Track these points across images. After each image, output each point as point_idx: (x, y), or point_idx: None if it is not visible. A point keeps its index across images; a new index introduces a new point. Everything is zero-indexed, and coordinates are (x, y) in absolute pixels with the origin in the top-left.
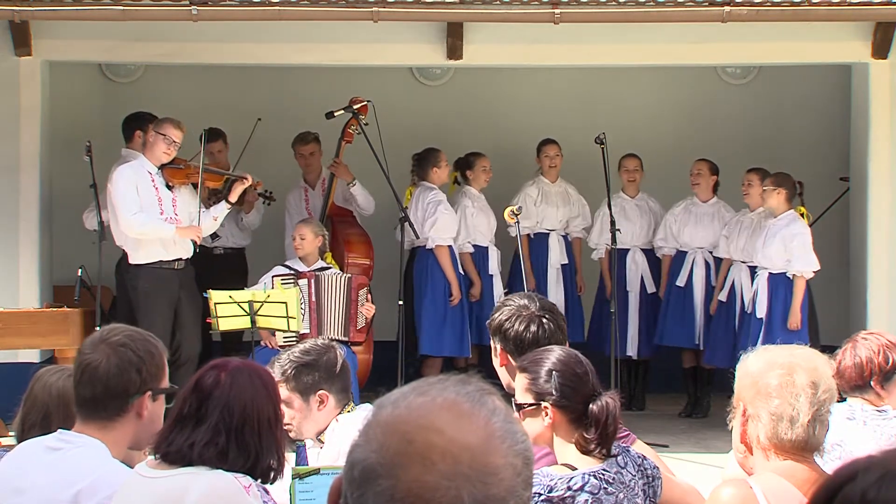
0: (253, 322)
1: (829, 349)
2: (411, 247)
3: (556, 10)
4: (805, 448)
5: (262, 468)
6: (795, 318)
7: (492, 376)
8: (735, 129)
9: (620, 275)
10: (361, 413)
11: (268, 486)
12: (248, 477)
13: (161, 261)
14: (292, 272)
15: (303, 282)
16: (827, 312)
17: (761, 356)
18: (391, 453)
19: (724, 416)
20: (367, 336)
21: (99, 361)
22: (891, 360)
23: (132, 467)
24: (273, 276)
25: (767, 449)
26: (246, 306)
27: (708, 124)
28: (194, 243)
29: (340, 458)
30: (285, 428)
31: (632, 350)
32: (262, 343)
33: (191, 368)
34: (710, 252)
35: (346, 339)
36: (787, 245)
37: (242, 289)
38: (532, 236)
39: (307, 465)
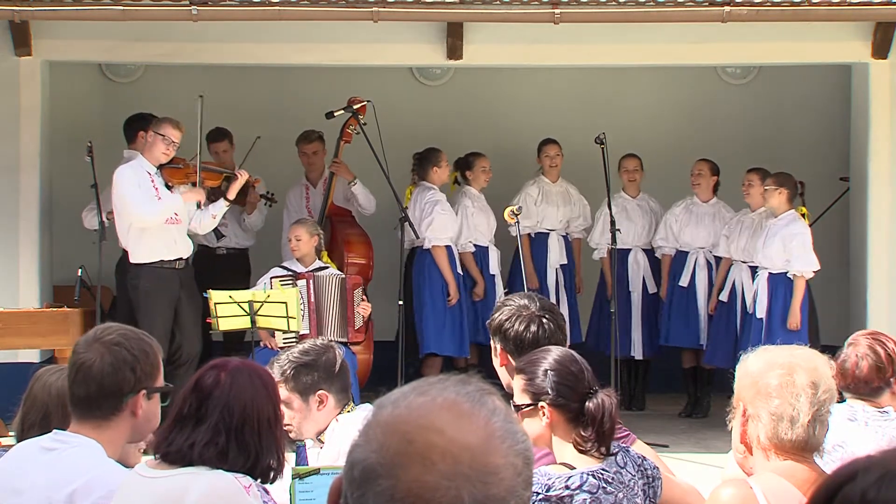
0: (253, 322)
1: (829, 349)
2: (411, 247)
3: (556, 10)
4: (805, 448)
5: (262, 468)
6: (795, 319)
7: (492, 376)
8: (735, 129)
9: (622, 275)
10: (361, 413)
11: (268, 486)
12: (248, 477)
13: (162, 260)
14: (290, 273)
15: (301, 283)
16: (827, 312)
17: (761, 356)
18: (391, 453)
19: (724, 416)
20: (366, 336)
21: (93, 360)
22: None
23: (129, 465)
24: (271, 278)
25: (767, 449)
26: (246, 306)
27: (708, 124)
28: (195, 242)
29: (340, 458)
30: (285, 428)
31: (636, 350)
32: (261, 344)
33: (191, 368)
34: (711, 252)
35: (344, 339)
36: (786, 245)
37: (244, 289)
38: (532, 236)
39: (307, 465)
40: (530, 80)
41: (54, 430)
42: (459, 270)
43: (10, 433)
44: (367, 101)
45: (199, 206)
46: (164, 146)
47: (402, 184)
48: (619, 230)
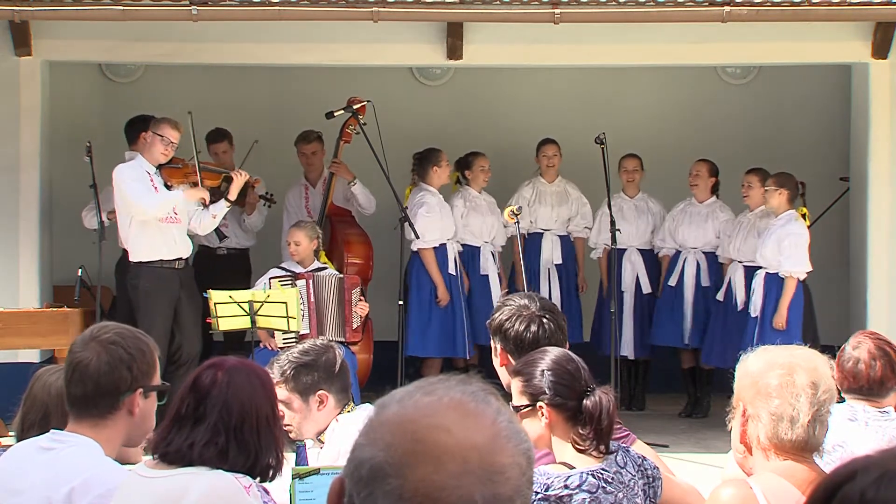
0: (253, 322)
1: (829, 349)
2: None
3: (556, 10)
4: (805, 448)
5: (261, 467)
6: (781, 318)
7: (492, 376)
8: (735, 129)
9: (618, 275)
10: (361, 413)
11: (268, 486)
12: (248, 477)
13: (161, 260)
14: (289, 274)
15: (301, 283)
16: (827, 312)
17: (761, 356)
18: (400, 452)
19: (724, 416)
20: (364, 335)
21: (89, 359)
22: None
23: (133, 463)
24: (270, 279)
25: (767, 449)
26: (246, 306)
27: (708, 124)
28: (195, 242)
29: (340, 458)
30: (285, 429)
31: (627, 350)
32: (261, 345)
33: (191, 368)
34: (704, 252)
35: (342, 339)
36: (780, 244)
37: (245, 289)
38: (526, 236)
39: (307, 465)
40: (530, 80)
41: (52, 430)
42: (451, 271)
43: (10, 433)
44: (367, 102)
45: (203, 205)
46: (163, 146)
47: (402, 184)
48: (618, 230)
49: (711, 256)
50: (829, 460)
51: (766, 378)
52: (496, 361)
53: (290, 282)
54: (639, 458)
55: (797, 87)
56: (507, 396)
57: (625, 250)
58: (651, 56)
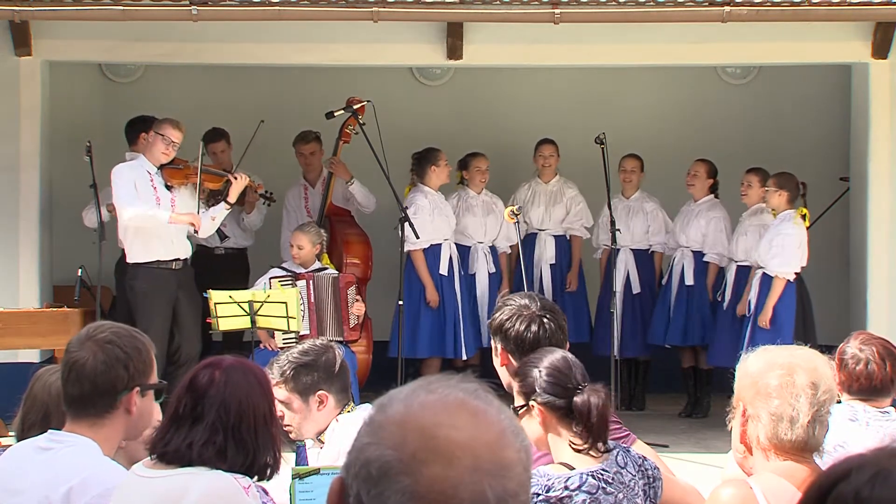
0: (253, 322)
1: (828, 349)
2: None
3: (556, 10)
4: (805, 448)
5: (259, 465)
6: (765, 316)
7: (492, 376)
8: (735, 129)
9: (609, 275)
10: (361, 413)
11: (267, 486)
12: (247, 478)
13: (158, 261)
14: (290, 274)
15: (301, 283)
16: (827, 312)
17: (761, 356)
18: (411, 450)
19: (724, 416)
20: (361, 335)
21: (86, 359)
22: None
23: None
24: (270, 279)
25: (767, 449)
26: (246, 306)
27: (708, 124)
28: (193, 243)
29: (340, 458)
30: (285, 429)
31: (616, 349)
32: (261, 345)
33: (191, 368)
34: (693, 251)
35: (340, 338)
36: (770, 244)
37: (244, 289)
38: (522, 237)
39: (307, 465)
40: (530, 80)
41: (50, 430)
42: (443, 272)
43: (10, 433)
44: (367, 102)
45: (195, 231)
46: (164, 146)
47: (402, 184)
48: (618, 230)
49: (698, 255)
50: (830, 461)
51: (766, 378)
52: (496, 361)
53: (290, 282)
54: (639, 458)
55: (797, 87)
56: (507, 396)
57: (617, 251)
58: (651, 56)
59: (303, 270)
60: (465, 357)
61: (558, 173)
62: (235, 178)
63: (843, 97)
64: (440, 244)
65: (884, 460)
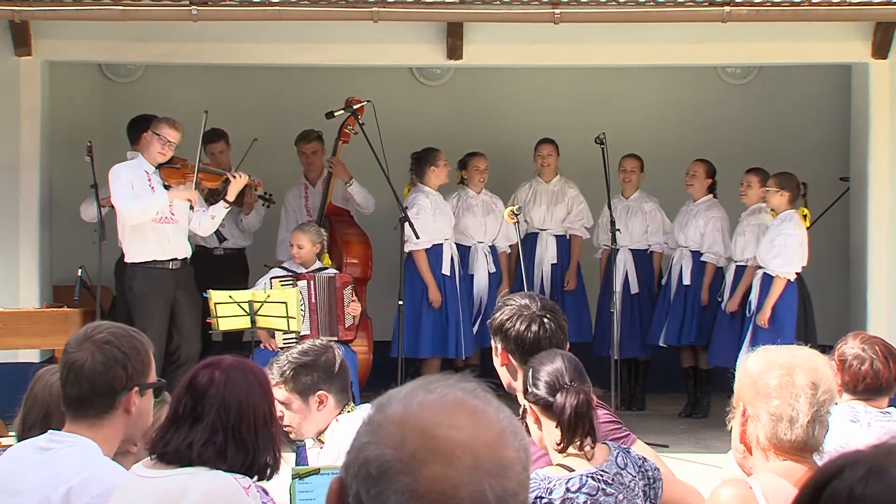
0: (253, 322)
1: (828, 349)
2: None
3: (556, 10)
4: (804, 449)
5: (259, 465)
6: (764, 316)
7: (492, 376)
8: (735, 129)
9: (609, 275)
10: (361, 413)
11: (267, 486)
12: (247, 478)
13: (156, 261)
14: (290, 274)
15: (302, 283)
16: (827, 312)
17: (761, 356)
18: (410, 450)
19: (724, 416)
20: (361, 334)
21: (84, 360)
22: None
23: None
24: (271, 279)
25: (767, 449)
26: (246, 306)
27: (708, 124)
28: (192, 243)
29: (340, 458)
30: (285, 429)
31: (614, 349)
32: (261, 345)
33: (191, 369)
34: (691, 251)
35: (334, 338)
36: (771, 244)
37: (243, 289)
38: (522, 236)
39: (307, 465)
40: (530, 80)
41: (50, 431)
42: (446, 272)
43: (11, 433)
44: (367, 102)
45: (190, 207)
46: (160, 146)
47: (403, 184)
48: (619, 230)
49: (696, 255)
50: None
51: (766, 378)
52: (497, 361)
53: (290, 282)
54: (639, 459)
55: (797, 87)
56: (507, 396)
57: (616, 251)
58: (651, 56)
59: (303, 270)
60: (465, 357)
61: (558, 173)
62: (234, 177)
63: (843, 97)
64: (441, 244)
65: (878, 457)
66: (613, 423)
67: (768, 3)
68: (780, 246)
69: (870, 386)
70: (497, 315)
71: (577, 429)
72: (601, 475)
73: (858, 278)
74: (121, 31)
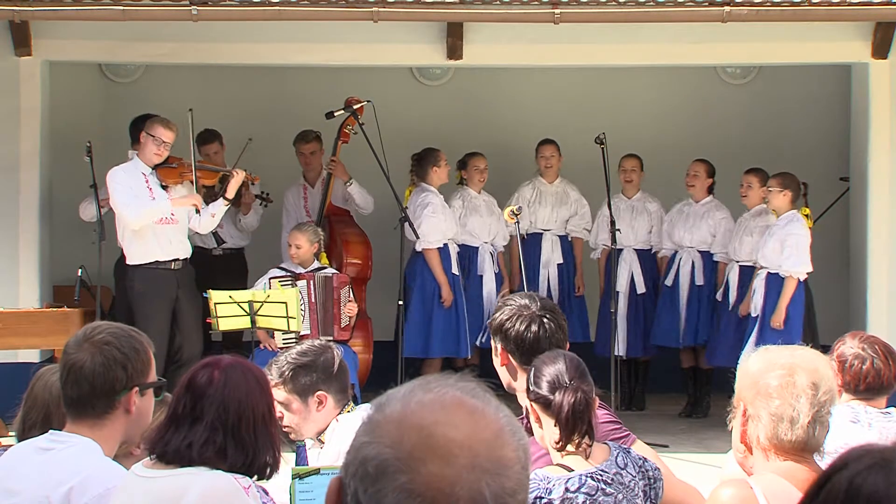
0: (253, 322)
1: (828, 349)
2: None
3: (556, 10)
4: (805, 449)
5: (258, 465)
6: (779, 317)
7: (491, 376)
8: (735, 129)
9: (609, 275)
10: (361, 413)
11: (267, 486)
12: (247, 478)
13: (157, 261)
14: (290, 274)
15: (301, 283)
16: (827, 312)
17: (762, 356)
18: (408, 448)
19: (724, 416)
20: (359, 334)
21: (84, 361)
22: None
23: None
24: (270, 279)
25: (767, 449)
26: (246, 306)
27: (708, 124)
28: (192, 243)
29: (340, 458)
30: (285, 430)
31: (621, 350)
32: (261, 345)
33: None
34: (699, 251)
35: (330, 338)
36: (782, 245)
37: (242, 289)
38: (525, 237)
39: (307, 465)
40: (530, 80)
41: (50, 431)
42: (455, 271)
43: (11, 433)
44: (367, 102)
45: (196, 211)
46: (155, 147)
47: (403, 184)
48: (618, 230)
49: (707, 256)
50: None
51: (767, 378)
52: (496, 361)
53: (290, 282)
54: (640, 459)
55: (797, 87)
56: (506, 396)
57: (619, 251)
58: (651, 56)
59: (303, 270)
60: (469, 356)
61: (560, 174)
62: (234, 174)
63: (843, 97)
64: (447, 244)
65: (882, 452)
66: (613, 424)
67: (768, 3)
68: (792, 246)
69: (872, 385)
70: (497, 315)
71: (575, 427)
72: (601, 475)
73: (858, 278)
74: (121, 31)
